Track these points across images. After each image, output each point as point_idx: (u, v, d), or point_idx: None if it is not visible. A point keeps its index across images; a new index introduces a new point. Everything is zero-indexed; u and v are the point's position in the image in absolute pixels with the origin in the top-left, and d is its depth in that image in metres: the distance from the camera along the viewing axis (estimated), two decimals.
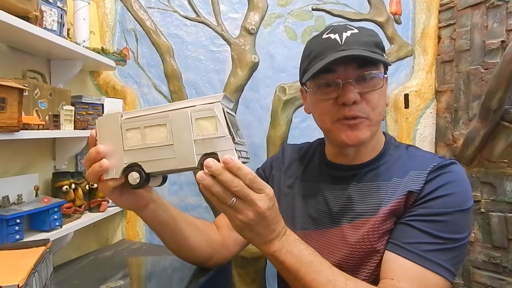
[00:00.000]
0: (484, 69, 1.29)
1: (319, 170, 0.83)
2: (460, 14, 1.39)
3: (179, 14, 1.55)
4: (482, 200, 1.29)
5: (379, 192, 0.71)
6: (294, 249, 0.60)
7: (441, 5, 1.49)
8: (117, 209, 1.44)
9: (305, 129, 1.54)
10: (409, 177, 0.69)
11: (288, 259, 0.60)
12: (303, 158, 0.89)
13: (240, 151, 0.56)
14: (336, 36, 0.69)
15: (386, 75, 0.73)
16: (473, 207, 1.29)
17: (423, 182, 0.67)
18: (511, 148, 1.21)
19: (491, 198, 1.27)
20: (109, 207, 1.40)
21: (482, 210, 1.28)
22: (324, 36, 0.71)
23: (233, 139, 0.54)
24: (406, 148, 0.78)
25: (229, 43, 1.55)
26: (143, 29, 1.55)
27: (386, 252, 0.66)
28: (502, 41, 1.24)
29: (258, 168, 1.00)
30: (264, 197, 0.55)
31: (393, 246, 0.65)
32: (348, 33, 0.69)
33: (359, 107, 0.68)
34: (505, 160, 1.23)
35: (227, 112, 0.56)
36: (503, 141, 1.24)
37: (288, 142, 1.52)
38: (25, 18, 0.89)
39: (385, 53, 0.74)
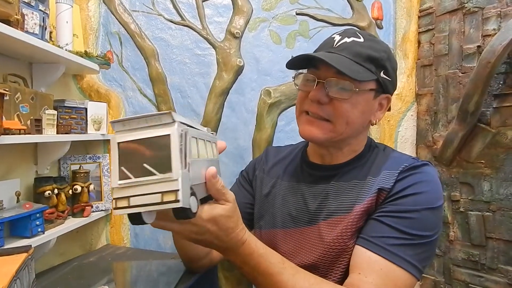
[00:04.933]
0: (462, 73, 1.34)
1: (300, 170, 0.85)
2: (439, 19, 1.43)
3: (163, 17, 1.55)
4: (461, 199, 1.33)
5: (353, 190, 0.73)
6: (250, 262, 0.61)
7: (420, 11, 1.53)
8: (101, 214, 1.43)
9: (290, 132, 1.55)
10: (382, 176, 0.71)
11: (245, 268, 0.62)
12: (285, 159, 0.91)
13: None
14: (338, 38, 0.72)
15: (379, 93, 0.72)
16: (453, 207, 1.34)
17: (394, 180, 0.69)
18: (488, 149, 1.26)
19: (469, 198, 1.31)
20: (93, 212, 1.38)
21: (461, 209, 1.32)
22: (334, 34, 0.75)
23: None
24: (383, 149, 0.80)
25: (214, 47, 1.56)
26: (128, 33, 1.54)
27: (355, 246, 0.68)
28: (478, 46, 1.29)
29: (242, 171, 1.01)
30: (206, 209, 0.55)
31: (361, 240, 0.67)
32: (351, 39, 0.71)
33: (324, 108, 0.71)
34: (482, 161, 1.27)
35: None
36: (480, 143, 1.28)
37: (273, 145, 1.53)
38: (6, 21, 0.87)
39: (386, 71, 0.71)
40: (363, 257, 0.65)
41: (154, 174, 0.45)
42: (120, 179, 0.46)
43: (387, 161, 0.75)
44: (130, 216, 0.48)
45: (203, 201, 0.56)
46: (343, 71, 0.65)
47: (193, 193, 0.48)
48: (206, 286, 1.29)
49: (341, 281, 0.70)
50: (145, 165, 0.45)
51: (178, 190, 0.44)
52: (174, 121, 0.46)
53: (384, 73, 0.71)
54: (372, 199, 0.69)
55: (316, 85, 0.71)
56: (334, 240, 0.70)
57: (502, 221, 1.21)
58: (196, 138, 0.52)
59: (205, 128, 0.63)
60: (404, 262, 0.63)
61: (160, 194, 0.45)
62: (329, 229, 0.72)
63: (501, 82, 1.23)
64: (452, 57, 1.38)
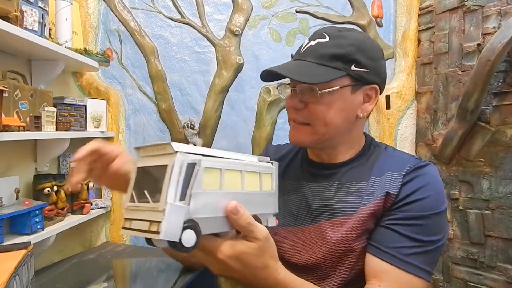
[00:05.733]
0: (462, 71, 1.34)
1: (300, 168, 0.85)
2: (439, 18, 1.43)
3: (163, 15, 1.55)
4: (460, 198, 1.33)
5: (358, 191, 0.73)
6: None
7: (420, 9, 1.53)
8: (101, 211, 1.43)
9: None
10: (386, 178, 0.71)
11: None
12: (285, 157, 0.91)
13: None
14: (305, 43, 0.73)
15: (358, 86, 0.71)
16: (452, 205, 1.35)
17: (400, 184, 0.69)
18: (487, 147, 1.26)
19: (468, 196, 1.31)
20: (93, 209, 1.38)
21: (460, 207, 1.33)
22: (306, 39, 0.75)
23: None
24: (384, 148, 0.80)
25: (214, 45, 1.56)
26: (127, 30, 1.54)
27: (370, 256, 0.68)
28: (478, 44, 1.28)
29: None
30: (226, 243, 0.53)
31: (375, 249, 0.68)
32: (316, 41, 0.71)
33: (302, 113, 0.72)
34: (481, 159, 1.27)
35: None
36: (479, 141, 1.28)
37: (272, 143, 1.53)
38: (5, 18, 0.87)
39: (358, 63, 0.70)
40: (380, 269, 0.66)
41: (149, 202, 0.46)
42: (129, 201, 0.48)
43: (390, 161, 0.75)
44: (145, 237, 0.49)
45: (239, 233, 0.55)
46: (296, 79, 0.67)
47: (190, 227, 0.46)
48: (205, 283, 1.29)
49: (343, 281, 0.70)
50: (145, 191, 0.46)
51: (160, 222, 0.43)
52: (175, 152, 0.45)
53: (356, 66, 0.70)
54: (379, 202, 0.69)
55: (291, 93, 0.74)
56: (338, 240, 0.70)
57: (501, 219, 1.22)
58: (221, 169, 0.51)
59: (255, 157, 0.60)
60: (418, 270, 0.65)
61: (148, 222, 0.44)
62: (333, 229, 0.72)
63: (500, 81, 1.23)
64: (452, 55, 1.38)
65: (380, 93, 0.75)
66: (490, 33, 1.25)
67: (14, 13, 0.88)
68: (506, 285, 1.19)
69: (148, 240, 0.47)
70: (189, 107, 1.55)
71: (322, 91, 0.68)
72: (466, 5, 1.32)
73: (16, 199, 1.08)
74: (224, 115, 1.57)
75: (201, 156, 0.48)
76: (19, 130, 0.98)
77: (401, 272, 0.64)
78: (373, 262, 0.67)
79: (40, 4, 1.04)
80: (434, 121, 1.44)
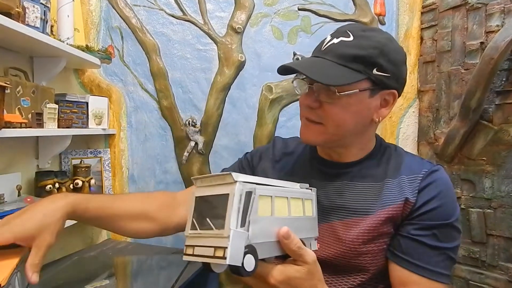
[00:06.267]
0: (464, 70, 1.33)
1: (309, 166, 0.83)
2: (442, 16, 1.43)
3: (165, 12, 1.55)
4: (462, 196, 1.33)
5: (372, 192, 0.73)
6: None
7: (423, 7, 1.52)
8: None
9: (291, 127, 1.55)
10: (402, 182, 0.72)
11: None
12: (293, 153, 0.89)
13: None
14: (328, 39, 0.71)
15: (376, 90, 0.69)
16: None
17: (417, 189, 0.70)
18: (490, 146, 1.25)
19: (470, 195, 1.31)
20: None
21: (462, 206, 1.32)
22: (328, 35, 0.73)
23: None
24: (395, 149, 0.80)
25: (215, 42, 1.55)
26: (129, 27, 1.54)
27: (396, 266, 0.70)
28: (481, 43, 1.28)
29: (246, 154, 0.99)
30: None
31: (403, 261, 0.69)
32: (339, 39, 0.69)
33: (316, 112, 0.71)
34: (483, 158, 1.27)
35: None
36: (482, 140, 1.28)
37: None
38: (7, 14, 0.87)
39: (380, 67, 0.67)
40: (406, 278, 0.69)
41: (212, 229, 0.48)
42: (191, 229, 0.51)
43: (403, 163, 0.75)
44: (203, 263, 0.51)
45: (284, 258, 0.57)
46: (315, 78, 0.65)
47: (250, 252, 0.49)
48: (207, 281, 1.30)
49: (357, 281, 0.71)
50: (207, 219, 0.49)
51: (226, 247, 0.46)
52: (234, 181, 0.48)
53: (377, 70, 0.68)
54: (398, 207, 0.70)
55: (307, 90, 0.71)
56: (353, 241, 0.71)
57: (503, 218, 1.21)
58: (272, 196, 0.54)
59: (297, 185, 0.63)
60: (442, 276, 0.68)
61: (213, 248, 0.47)
62: (346, 230, 0.72)
63: (503, 79, 1.22)
64: (454, 54, 1.37)
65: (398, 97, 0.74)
66: (493, 31, 1.24)
67: (17, 9, 0.88)
68: (508, 284, 1.19)
69: (206, 265, 0.50)
70: (191, 104, 1.55)
71: (341, 93, 0.67)
72: (469, 3, 1.32)
73: (18, 196, 1.08)
74: (226, 112, 1.57)
75: (255, 185, 0.51)
76: (21, 127, 0.98)
77: (428, 281, 0.67)
78: (401, 273, 0.69)
79: (42, 0, 1.04)
80: (436, 120, 1.44)
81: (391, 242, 0.71)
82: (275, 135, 1.56)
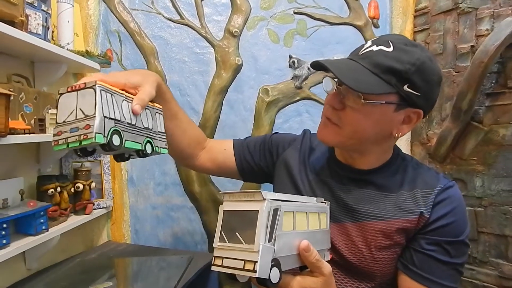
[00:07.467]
0: (456, 72, 1.37)
1: (327, 166, 0.84)
2: (434, 19, 1.46)
3: (163, 16, 1.56)
4: None
5: (386, 202, 0.75)
6: None
7: (416, 11, 1.56)
8: (103, 211, 1.45)
9: (288, 129, 1.58)
10: (416, 195, 0.74)
11: None
12: (315, 150, 0.90)
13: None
14: (368, 45, 0.71)
15: (402, 106, 0.69)
16: None
17: (431, 204, 0.72)
18: (481, 146, 1.29)
19: (462, 194, 1.33)
20: (95, 209, 1.40)
21: None
22: (368, 40, 0.73)
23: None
24: (411, 160, 0.82)
25: (213, 45, 1.58)
26: (127, 31, 1.55)
27: (409, 279, 0.72)
28: (472, 46, 1.32)
29: (273, 134, 1.01)
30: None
31: (417, 275, 0.72)
32: (378, 47, 0.68)
33: (337, 114, 0.71)
34: (474, 158, 1.31)
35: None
36: (473, 140, 1.31)
37: None
38: (11, 23, 0.89)
39: (412, 84, 0.66)
40: None
41: (242, 243, 0.52)
42: (219, 241, 0.54)
43: (418, 177, 0.77)
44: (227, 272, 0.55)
45: (302, 269, 0.61)
46: (344, 81, 0.64)
47: (275, 265, 0.52)
48: (207, 282, 1.32)
49: (366, 282, 0.74)
50: (237, 233, 0.53)
51: (256, 261, 0.49)
52: (264, 199, 0.51)
53: (408, 87, 0.66)
54: (413, 221, 0.72)
55: (335, 90, 0.72)
56: (365, 246, 0.73)
57: (493, 216, 1.25)
58: (294, 211, 0.57)
59: (314, 199, 0.66)
60: None
61: (243, 261, 0.50)
62: (358, 233, 0.74)
63: (493, 81, 1.26)
64: (446, 56, 1.41)
65: (422, 118, 0.73)
66: (483, 35, 1.28)
67: (20, 18, 0.89)
68: (498, 280, 1.23)
69: (231, 275, 0.54)
70: (189, 107, 1.57)
71: (366, 101, 0.66)
72: (461, 7, 1.35)
73: (21, 200, 1.09)
74: (223, 115, 1.59)
75: (281, 202, 0.54)
76: (24, 133, 0.99)
77: None
78: (411, 285, 0.72)
79: (43, 7, 1.06)
80: (428, 121, 1.47)
81: (403, 254, 0.74)
82: None
